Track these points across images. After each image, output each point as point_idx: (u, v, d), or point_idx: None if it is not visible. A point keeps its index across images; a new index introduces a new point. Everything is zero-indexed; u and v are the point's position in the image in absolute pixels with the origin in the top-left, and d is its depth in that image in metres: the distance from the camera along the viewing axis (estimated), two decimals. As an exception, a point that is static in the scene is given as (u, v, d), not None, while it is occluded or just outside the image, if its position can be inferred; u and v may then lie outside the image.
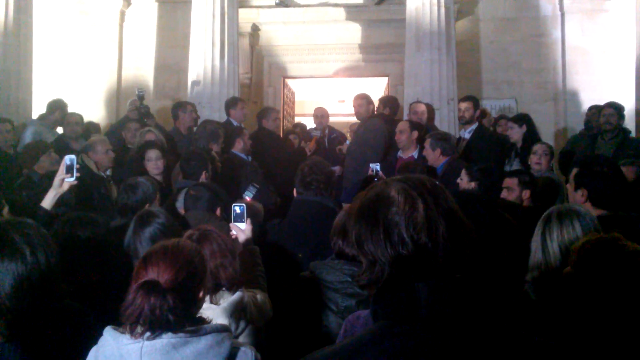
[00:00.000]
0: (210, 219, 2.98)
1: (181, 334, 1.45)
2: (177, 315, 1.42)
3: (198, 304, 1.59)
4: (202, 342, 1.47)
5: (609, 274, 1.72)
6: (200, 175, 4.02)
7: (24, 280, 1.57)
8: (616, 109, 5.23)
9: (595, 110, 5.84)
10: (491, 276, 1.97)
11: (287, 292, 2.43)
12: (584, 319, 1.74)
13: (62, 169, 2.95)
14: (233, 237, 2.58)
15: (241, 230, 2.57)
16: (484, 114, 6.13)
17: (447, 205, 1.08)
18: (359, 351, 1.02)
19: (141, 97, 6.09)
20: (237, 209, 2.60)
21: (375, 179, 4.10)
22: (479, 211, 2.26)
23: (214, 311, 1.89)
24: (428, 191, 1.08)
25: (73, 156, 2.99)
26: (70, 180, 2.94)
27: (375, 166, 4.20)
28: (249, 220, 2.59)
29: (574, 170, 2.93)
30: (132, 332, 1.43)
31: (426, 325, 1.00)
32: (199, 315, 1.59)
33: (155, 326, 1.41)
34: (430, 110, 5.92)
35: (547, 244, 2.18)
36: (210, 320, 1.59)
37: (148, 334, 1.42)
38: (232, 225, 2.59)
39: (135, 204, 3.17)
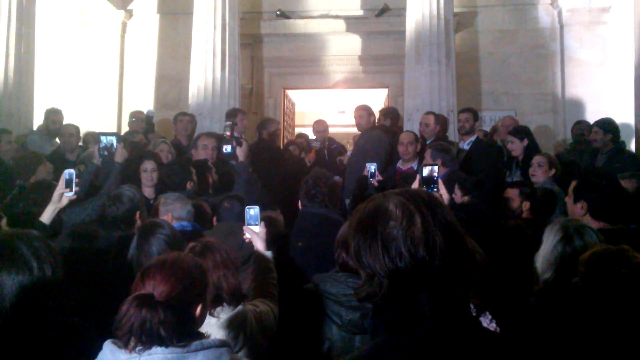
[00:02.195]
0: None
1: (178, 350, 1.43)
2: (168, 330, 1.40)
3: (197, 319, 1.57)
4: (200, 358, 1.45)
5: (616, 284, 1.71)
6: (185, 185, 4.02)
7: (30, 293, 1.56)
8: (601, 127, 5.29)
9: (585, 125, 5.92)
10: (499, 287, 1.97)
11: (290, 305, 2.42)
12: (592, 329, 1.74)
13: (61, 183, 2.93)
14: (247, 240, 2.55)
15: (255, 233, 2.52)
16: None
17: (445, 218, 1.09)
18: None
19: (149, 118, 6.17)
20: (250, 211, 2.55)
21: (370, 179, 4.10)
22: (487, 225, 2.26)
23: (212, 325, 1.87)
24: (426, 205, 1.09)
25: (72, 170, 2.98)
26: (69, 195, 2.93)
27: (371, 166, 4.19)
28: (262, 224, 2.55)
29: (573, 183, 2.93)
30: (124, 345, 1.42)
31: (431, 336, 1.01)
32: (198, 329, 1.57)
33: (146, 340, 1.40)
34: (443, 121, 5.94)
35: (567, 259, 2.16)
36: (209, 335, 1.56)
37: (140, 347, 1.40)
38: (245, 228, 2.54)
39: (126, 213, 3.16)
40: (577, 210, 2.85)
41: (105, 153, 4.26)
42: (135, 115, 6.95)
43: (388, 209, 1.09)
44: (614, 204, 2.83)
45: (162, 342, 1.41)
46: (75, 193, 2.96)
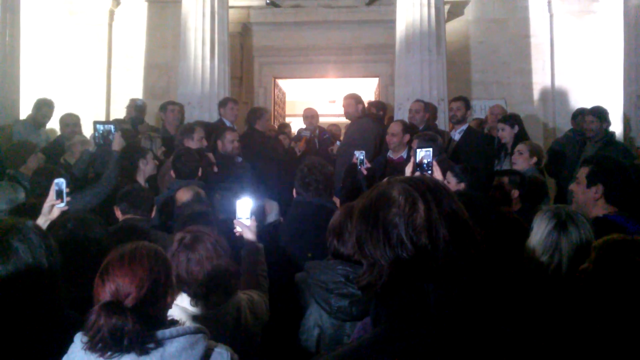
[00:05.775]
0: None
1: (152, 344, 1.41)
2: (138, 336, 1.37)
3: (166, 308, 1.55)
4: (175, 345, 1.44)
5: (629, 272, 1.73)
6: (196, 174, 3.99)
7: (26, 286, 1.53)
8: (597, 116, 5.28)
9: (581, 116, 5.93)
10: (500, 277, 1.98)
11: (282, 293, 2.42)
12: (602, 316, 1.75)
13: (51, 194, 2.77)
14: (237, 234, 2.55)
15: (246, 226, 2.53)
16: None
17: (450, 206, 1.06)
18: (370, 355, 1.00)
19: (139, 109, 6.08)
20: (241, 204, 2.56)
21: (359, 167, 4.10)
22: (485, 213, 2.26)
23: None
24: (431, 192, 1.06)
25: (62, 180, 2.82)
26: (60, 206, 2.77)
27: (360, 154, 4.18)
28: (253, 217, 2.56)
29: (586, 168, 2.91)
30: (92, 350, 1.38)
31: (437, 326, 0.99)
32: (171, 317, 1.54)
33: (116, 348, 1.37)
34: (432, 108, 5.95)
35: (563, 245, 2.17)
36: (184, 323, 1.55)
37: (109, 353, 1.38)
38: (236, 221, 2.54)
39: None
40: (590, 194, 2.80)
41: (102, 141, 4.23)
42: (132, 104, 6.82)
43: (391, 196, 1.06)
44: (629, 188, 2.82)
45: (132, 350, 1.38)
46: (67, 204, 2.79)
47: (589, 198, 2.81)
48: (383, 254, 1.03)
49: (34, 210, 2.83)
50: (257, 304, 2.16)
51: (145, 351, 1.40)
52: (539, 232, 2.26)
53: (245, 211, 2.54)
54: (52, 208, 2.76)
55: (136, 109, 6.21)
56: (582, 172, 2.89)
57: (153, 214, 3.31)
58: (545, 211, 2.34)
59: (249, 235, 2.51)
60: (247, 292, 2.19)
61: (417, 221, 1.02)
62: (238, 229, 2.54)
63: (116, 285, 1.42)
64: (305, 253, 2.84)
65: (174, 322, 1.51)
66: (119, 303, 1.39)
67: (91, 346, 1.37)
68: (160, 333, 1.44)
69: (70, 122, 5.72)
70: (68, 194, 2.80)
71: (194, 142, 4.77)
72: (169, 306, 1.57)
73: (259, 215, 3.31)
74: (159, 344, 1.42)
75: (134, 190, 3.29)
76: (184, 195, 3.40)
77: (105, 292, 1.43)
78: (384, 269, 1.03)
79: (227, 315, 1.96)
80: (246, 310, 2.05)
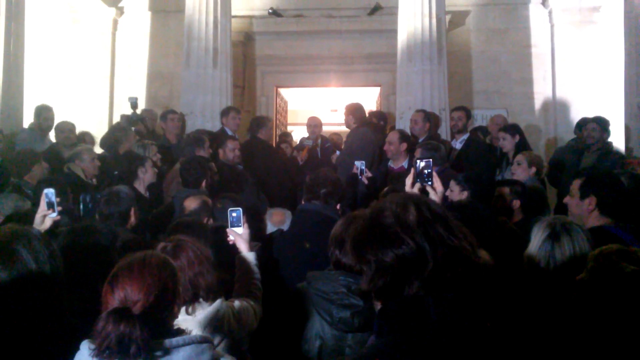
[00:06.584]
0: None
1: (159, 352, 1.42)
2: (145, 343, 1.38)
3: (173, 317, 1.56)
4: (181, 354, 1.45)
5: (626, 282, 1.74)
6: (201, 183, 4.02)
7: (29, 294, 1.54)
8: (600, 124, 5.32)
9: (584, 125, 5.96)
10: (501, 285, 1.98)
11: (283, 303, 2.42)
12: (599, 324, 1.76)
13: (42, 205, 2.74)
14: (231, 242, 2.57)
15: (239, 235, 2.55)
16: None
17: (438, 210, 1.11)
18: None
19: (134, 105, 6.06)
20: (233, 213, 2.58)
21: (360, 177, 4.10)
22: (485, 224, 2.26)
23: (189, 323, 1.87)
24: (420, 199, 1.13)
25: (52, 190, 2.77)
26: (52, 216, 2.73)
27: (361, 164, 4.19)
28: (246, 225, 2.58)
29: (578, 181, 2.91)
30: (99, 357, 1.38)
31: (436, 339, 1.01)
32: (177, 326, 1.55)
33: (123, 355, 1.37)
34: (434, 119, 5.97)
35: (557, 255, 2.19)
36: (190, 332, 1.56)
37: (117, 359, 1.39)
38: (229, 230, 2.57)
39: (123, 211, 3.18)
40: (584, 207, 2.82)
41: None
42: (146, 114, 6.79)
43: (383, 205, 1.12)
44: (622, 199, 2.83)
45: (139, 357, 1.38)
46: (59, 213, 2.75)
47: (583, 210, 2.83)
48: (384, 253, 1.06)
49: (33, 218, 2.85)
50: (244, 311, 2.17)
51: (152, 359, 1.41)
52: (535, 242, 2.29)
53: (237, 220, 2.57)
54: (44, 219, 2.74)
55: (131, 106, 6.16)
56: (575, 185, 2.91)
57: (131, 220, 3.30)
58: (542, 221, 2.37)
59: (242, 243, 2.53)
60: (235, 300, 2.20)
61: (409, 218, 1.07)
62: (231, 237, 2.56)
63: (125, 293, 1.44)
64: (304, 261, 2.84)
65: (180, 331, 1.53)
66: (127, 310, 1.40)
67: (98, 353, 1.38)
68: (167, 341, 1.45)
69: (66, 129, 5.74)
70: (59, 204, 2.76)
71: (205, 151, 4.85)
72: (176, 315, 1.58)
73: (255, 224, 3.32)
74: (166, 352, 1.44)
75: (105, 196, 3.27)
76: (191, 204, 3.44)
77: (114, 299, 1.44)
78: (385, 270, 1.06)
79: (209, 322, 1.96)
80: (230, 316, 2.06)
